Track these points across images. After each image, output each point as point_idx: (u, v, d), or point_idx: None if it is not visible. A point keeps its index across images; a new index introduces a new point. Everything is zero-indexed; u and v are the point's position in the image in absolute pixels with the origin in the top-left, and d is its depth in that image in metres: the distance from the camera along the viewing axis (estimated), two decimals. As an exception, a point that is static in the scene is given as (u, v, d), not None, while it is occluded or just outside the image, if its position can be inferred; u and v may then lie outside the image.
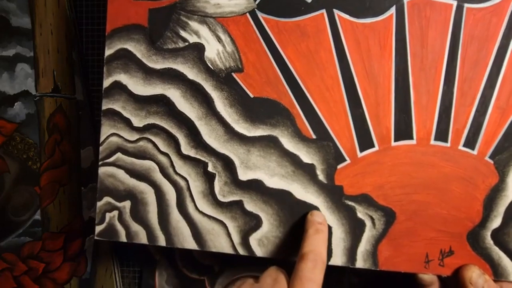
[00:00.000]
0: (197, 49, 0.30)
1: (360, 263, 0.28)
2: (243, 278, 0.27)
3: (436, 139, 0.28)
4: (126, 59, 0.31)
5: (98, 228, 0.32)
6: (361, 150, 0.28)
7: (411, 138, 0.28)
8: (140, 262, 0.38)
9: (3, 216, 0.38)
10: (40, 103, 0.37)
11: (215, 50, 0.30)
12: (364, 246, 0.28)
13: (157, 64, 0.31)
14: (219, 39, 0.30)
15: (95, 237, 0.32)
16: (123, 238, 0.31)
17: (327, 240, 0.28)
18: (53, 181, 0.37)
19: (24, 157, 0.37)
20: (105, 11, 0.37)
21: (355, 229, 0.28)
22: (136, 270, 0.38)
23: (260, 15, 0.30)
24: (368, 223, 0.28)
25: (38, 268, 0.38)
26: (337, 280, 0.36)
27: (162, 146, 0.31)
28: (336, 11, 0.29)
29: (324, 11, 0.29)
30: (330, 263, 0.29)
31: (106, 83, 0.31)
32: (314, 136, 0.29)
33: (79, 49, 0.38)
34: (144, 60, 0.31)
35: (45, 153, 0.37)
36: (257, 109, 0.30)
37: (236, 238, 0.30)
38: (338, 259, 0.29)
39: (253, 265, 0.36)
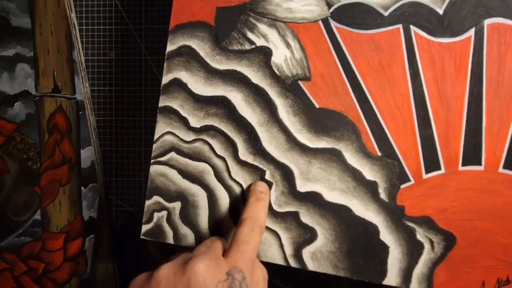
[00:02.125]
0: (264, 53, 0.29)
1: (414, 285, 0.28)
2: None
3: (505, 167, 0.27)
4: (188, 57, 0.30)
5: (145, 227, 0.31)
6: (427, 171, 0.28)
7: (479, 164, 0.27)
8: (140, 262, 0.38)
9: (3, 216, 0.37)
10: (40, 103, 0.37)
11: (283, 56, 0.29)
12: (420, 268, 0.28)
13: (221, 64, 0.30)
14: (288, 45, 0.29)
15: (141, 236, 0.31)
16: (170, 239, 0.30)
17: (268, 207, 0.28)
18: (53, 181, 0.37)
19: (24, 157, 0.37)
20: (105, 11, 0.39)
21: (413, 251, 0.28)
22: (136, 270, 0.38)
23: (333, 24, 0.29)
24: (427, 246, 0.28)
25: (38, 268, 0.37)
26: (337, 279, 0.35)
27: (219, 150, 0.30)
28: (413, 28, 0.28)
29: (400, 26, 0.28)
30: (384, 282, 0.28)
31: (165, 79, 0.30)
32: (379, 153, 0.28)
33: (79, 49, 0.37)
34: (207, 59, 0.30)
35: (45, 153, 0.37)
36: (322, 121, 0.29)
37: (288, 250, 0.29)
38: (392, 279, 0.28)
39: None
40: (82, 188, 0.37)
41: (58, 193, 0.37)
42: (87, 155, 0.37)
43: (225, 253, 0.25)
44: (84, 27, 0.38)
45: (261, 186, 0.29)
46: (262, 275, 0.26)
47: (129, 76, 0.38)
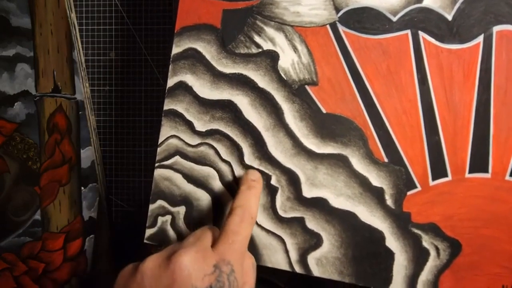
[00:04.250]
0: (271, 57, 0.29)
1: (419, 292, 0.28)
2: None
3: None
4: (194, 60, 0.30)
5: (149, 232, 0.30)
6: (434, 178, 0.28)
7: (486, 171, 0.27)
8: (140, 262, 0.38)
9: (3, 216, 0.37)
10: (40, 103, 0.37)
11: (290, 60, 0.29)
12: (426, 275, 0.28)
13: (227, 68, 0.30)
14: (295, 49, 0.29)
15: (145, 241, 0.31)
16: (174, 244, 0.30)
17: (259, 196, 0.28)
18: (53, 181, 0.37)
19: (24, 157, 0.37)
20: (105, 11, 0.38)
21: (418, 257, 0.28)
22: None
23: (341, 28, 0.28)
24: (432, 252, 0.28)
25: (38, 268, 0.37)
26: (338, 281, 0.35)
27: (224, 154, 0.30)
28: (421, 33, 0.28)
29: (409, 31, 0.28)
30: (389, 289, 0.28)
31: (171, 82, 0.30)
32: (386, 160, 0.28)
33: (79, 49, 0.37)
34: (214, 63, 0.30)
35: (45, 153, 0.37)
36: (329, 126, 0.29)
37: (293, 255, 0.29)
38: (397, 286, 0.28)
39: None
40: (82, 188, 0.37)
41: (58, 193, 0.37)
42: (87, 155, 0.37)
43: (213, 244, 0.24)
44: (84, 27, 0.38)
45: (253, 174, 0.28)
46: (251, 263, 0.25)
47: (129, 76, 0.38)
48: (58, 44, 0.37)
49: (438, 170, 0.28)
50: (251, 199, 0.26)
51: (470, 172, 0.28)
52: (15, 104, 0.37)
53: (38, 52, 0.37)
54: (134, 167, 0.38)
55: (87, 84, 0.38)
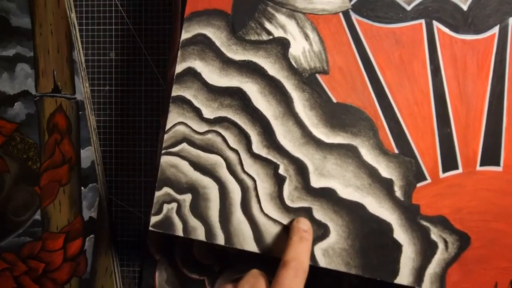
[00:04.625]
0: (282, 44, 0.29)
1: (426, 285, 0.28)
2: (223, 283, 0.27)
3: (523, 168, 0.27)
4: (204, 46, 0.29)
5: (154, 219, 0.30)
6: (444, 171, 0.27)
7: (497, 164, 0.27)
8: (140, 262, 0.38)
9: (3, 216, 0.37)
10: (40, 103, 0.37)
11: (301, 48, 0.29)
12: (433, 268, 0.28)
13: (237, 55, 0.29)
14: (306, 37, 0.28)
15: (150, 228, 0.30)
16: (179, 232, 0.30)
17: (311, 248, 0.27)
18: (53, 181, 0.37)
19: (24, 157, 0.37)
20: (105, 11, 0.38)
21: (426, 250, 0.28)
22: (136, 270, 0.38)
23: (354, 17, 0.28)
24: (441, 245, 0.28)
25: (38, 268, 0.37)
26: (337, 280, 0.35)
27: (232, 142, 0.29)
28: (435, 23, 0.27)
29: (423, 21, 0.27)
30: (396, 281, 0.28)
31: (179, 68, 0.30)
32: (396, 151, 0.28)
33: (79, 49, 0.37)
34: (223, 49, 0.29)
35: (45, 153, 0.37)
36: (339, 116, 0.28)
37: (300, 245, 0.29)
38: (404, 279, 0.28)
39: (254, 266, 0.36)
40: (82, 188, 0.37)
41: (58, 193, 0.37)
42: (87, 155, 0.37)
43: None
44: (84, 27, 0.38)
45: (305, 224, 0.28)
46: None
47: (129, 76, 0.38)
48: (58, 44, 0.37)
49: (449, 162, 0.27)
50: (304, 252, 0.26)
51: (481, 165, 0.27)
52: (15, 104, 0.37)
53: (38, 52, 0.37)
54: (134, 167, 0.38)
55: (87, 84, 0.38)
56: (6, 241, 0.37)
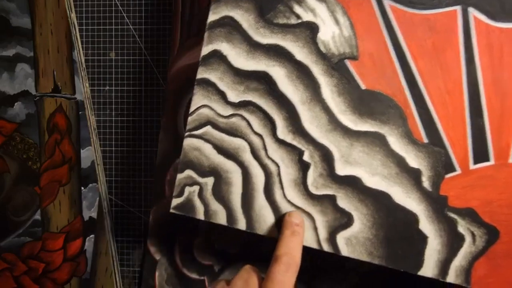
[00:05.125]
0: (311, 29, 0.28)
1: (451, 278, 0.27)
2: (216, 281, 0.27)
3: (558, 162, 0.26)
4: (231, 28, 0.29)
5: (175, 201, 0.30)
6: (475, 162, 0.27)
7: (531, 157, 0.26)
8: (140, 262, 0.38)
9: (3, 216, 0.37)
10: (40, 103, 0.37)
11: (330, 33, 0.28)
12: (459, 261, 0.27)
13: (264, 38, 0.29)
14: (336, 21, 0.28)
15: (171, 210, 0.30)
16: (200, 215, 0.30)
17: (303, 242, 0.27)
18: (53, 181, 0.37)
19: (24, 157, 0.37)
20: (105, 11, 0.38)
21: (453, 243, 0.27)
22: (136, 270, 0.38)
23: (387, 2, 0.27)
24: (468, 238, 0.27)
25: (38, 268, 0.38)
26: (338, 280, 0.35)
27: (257, 126, 0.29)
28: (471, 10, 0.27)
29: (458, 8, 0.27)
30: (420, 273, 0.27)
31: (205, 50, 0.29)
32: (425, 140, 0.27)
33: (79, 49, 0.37)
34: (251, 32, 0.29)
35: (45, 153, 0.37)
36: (367, 103, 0.28)
37: (322, 233, 0.28)
38: (429, 271, 0.27)
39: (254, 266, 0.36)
40: (82, 188, 0.37)
41: (58, 193, 0.37)
42: (87, 155, 0.37)
43: None
44: (84, 27, 0.38)
45: (297, 217, 0.28)
46: None
47: (129, 76, 0.38)
48: (58, 44, 0.37)
49: (480, 154, 0.27)
50: (295, 246, 0.26)
51: (514, 157, 0.26)
52: (15, 104, 0.37)
53: (38, 52, 0.37)
54: (134, 167, 0.38)
55: (87, 84, 0.38)
56: (6, 241, 0.38)
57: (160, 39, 0.37)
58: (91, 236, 0.38)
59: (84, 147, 0.37)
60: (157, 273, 0.36)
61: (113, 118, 0.38)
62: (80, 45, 0.37)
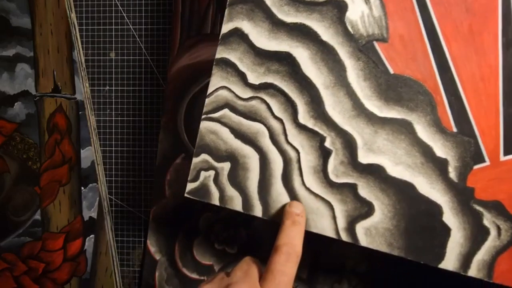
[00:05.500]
0: (338, 7, 0.26)
1: (473, 272, 0.27)
2: (216, 273, 0.27)
3: None
4: (253, 5, 0.27)
5: (190, 186, 0.29)
6: (506, 153, 0.26)
7: None
8: (140, 262, 0.38)
9: (3, 216, 0.37)
10: (40, 103, 0.37)
11: (360, 12, 0.26)
12: (482, 255, 0.26)
13: (288, 16, 0.27)
14: (366, 0, 0.26)
15: (185, 194, 0.30)
16: (216, 200, 0.29)
17: (304, 232, 0.27)
18: (53, 181, 0.37)
19: (24, 157, 0.37)
20: (105, 11, 0.38)
21: (477, 236, 0.26)
22: (136, 270, 0.38)
23: (422, -21, 0.25)
24: (493, 232, 0.26)
25: (38, 268, 0.38)
26: (337, 281, 0.34)
27: (277, 110, 0.28)
28: (513, -9, 0.25)
29: (499, -13, 0.25)
30: (441, 266, 0.27)
31: (225, 28, 0.28)
32: (455, 129, 0.26)
33: (79, 49, 0.37)
34: (274, 9, 0.27)
35: (45, 153, 0.37)
36: (395, 88, 0.26)
37: (341, 223, 0.28)
38: (450, 264, 0.27)
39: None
40: (82, 188, 0.37)
41: (58, 193, 0.37)
42: (87, 155, 0.37)
43: (260, 281, 0.24)
44: (84, 27, 0.38)
45: (297, 207, 0.27)
46: None
47: (129, 76, 0.38)
48: (58, 44, 0.36)
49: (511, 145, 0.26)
50: (296, 236, 0.26)
51: (547, 150, 0.25)
52: (15, 104, 0.37)
53: (38, 52, 0.36)
54: (134, 167, 0.38)
55: (87, 84, 0.37)
56: (6, 241, 0.38)
57: (160, 39, 0.37)
58: (91, 236, 0.38)
59: (84, 147, 0.37)
60: (157, 273, 0.36)
61: (113, 118, 0.38)
62: (80, 45, 0.37)
